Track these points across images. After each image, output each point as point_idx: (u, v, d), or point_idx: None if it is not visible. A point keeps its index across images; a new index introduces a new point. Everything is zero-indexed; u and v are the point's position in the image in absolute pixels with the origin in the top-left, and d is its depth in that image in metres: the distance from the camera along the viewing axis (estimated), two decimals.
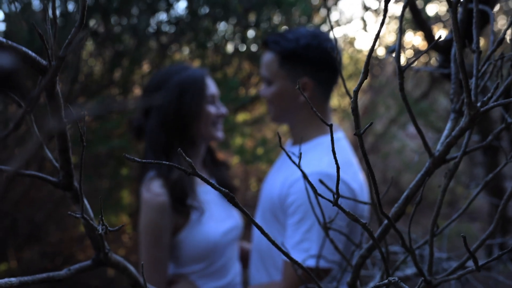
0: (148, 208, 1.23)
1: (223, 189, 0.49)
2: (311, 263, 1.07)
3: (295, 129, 1.32)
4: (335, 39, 0.71)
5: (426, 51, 0.60)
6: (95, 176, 2.08)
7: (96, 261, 0.59)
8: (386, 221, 0.67)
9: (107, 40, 2.05)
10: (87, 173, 1.97)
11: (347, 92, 0.73)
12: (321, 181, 0.69)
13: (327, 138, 1.23)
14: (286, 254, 0.57)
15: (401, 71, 0.59)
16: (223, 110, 1.41)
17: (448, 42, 1.09)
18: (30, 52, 0.51)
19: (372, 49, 0.50)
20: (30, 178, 0.56)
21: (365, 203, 0.73)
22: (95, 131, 1.96)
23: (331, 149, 1.23)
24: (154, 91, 1.33)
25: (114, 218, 2.27)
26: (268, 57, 1.27)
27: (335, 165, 1.15)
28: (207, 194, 1.35)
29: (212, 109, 1.35)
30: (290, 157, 0.60)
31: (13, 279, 0.47)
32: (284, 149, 0.62)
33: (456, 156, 0.64)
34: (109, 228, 0.51)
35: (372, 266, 1.22)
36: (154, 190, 1.24)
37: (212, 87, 1.37)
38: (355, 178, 1.19)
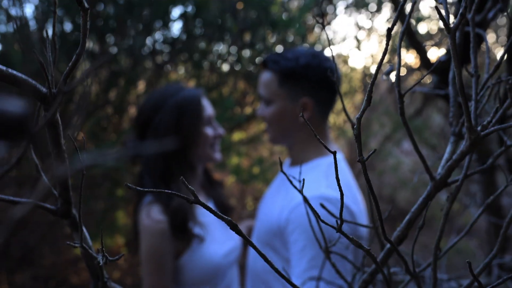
0: (148, 235, 1.20)
1: (226, 217, 0.48)
2: (311, 287, 1.05)
3: (293, 150, 1.30)
4: (333, 58, 0.71)
5: (425, 75, 0.60)
6: (90, 197, 2.05)
7: None
8: (388, 245, 0.66)
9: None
10: (83, 196, 1.94)
11: (347, 115, 0.74)
12: (323, 206, 0.68)
13: (326, 160, 1.22)
14: (288, 281, 0.56)
15: (401, 95, 0.59)
16: (220, 130, 1.40)
17: (443, 63, 1.11)
18: (30, 79, 0.50)
19: (374, 80, 0.50)
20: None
21: (367, 226, 0.72)
22: (90, 152, 1.94)
23: (330, 171, 1.21)
24: (150, 114, 1.32)
25: (109, 240, 2.23)
26: (267, 76, 1.25)
27: (334, 188, 1.13)
28: (206, 216, 1.33)
29: (209, 130, 1.34)
30: (292, 183, 0.59)
31: None
32: (285, 174, 0.62)
33: (457, 180, 0.64)
34: (109, 258, 0.49)
35: (372, 287, 1.20)
36: (154, 217, 1.21)
37: (208, 108, 1.37)
38: (355, 200, 1.17)
